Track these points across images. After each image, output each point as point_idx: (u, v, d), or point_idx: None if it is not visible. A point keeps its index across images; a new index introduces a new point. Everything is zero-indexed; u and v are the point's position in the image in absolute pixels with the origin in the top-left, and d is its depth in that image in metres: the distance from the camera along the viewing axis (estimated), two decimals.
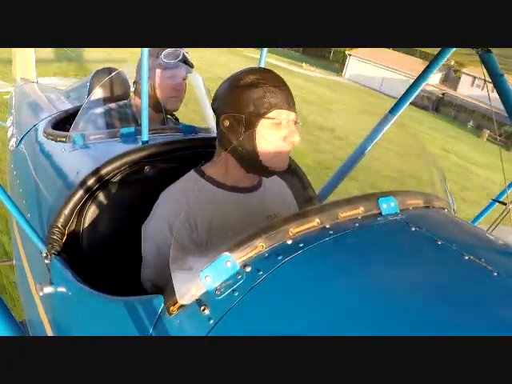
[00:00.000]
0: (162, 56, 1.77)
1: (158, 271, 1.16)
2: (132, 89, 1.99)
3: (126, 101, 1.99)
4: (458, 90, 29.09)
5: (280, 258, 0.81)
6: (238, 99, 1.17)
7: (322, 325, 0.73)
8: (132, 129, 1.69)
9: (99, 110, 1.89)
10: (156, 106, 1.84)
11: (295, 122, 1.21)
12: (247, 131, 1.16)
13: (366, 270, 0.84)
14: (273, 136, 1.17)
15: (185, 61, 1.86)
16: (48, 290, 1.22)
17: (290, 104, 1.18)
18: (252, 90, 1.15)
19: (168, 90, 1.84)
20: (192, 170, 1.29)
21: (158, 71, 1.79)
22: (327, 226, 0.88)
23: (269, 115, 1.15)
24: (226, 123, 1.19)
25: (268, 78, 1.18)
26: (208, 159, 1.31)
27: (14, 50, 3.70)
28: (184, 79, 1.88)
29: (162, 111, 1.88)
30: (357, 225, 0.91)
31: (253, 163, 1.20)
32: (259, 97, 1.15)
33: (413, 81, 1.83)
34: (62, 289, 1.20)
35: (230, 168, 1.24)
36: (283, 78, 1.21)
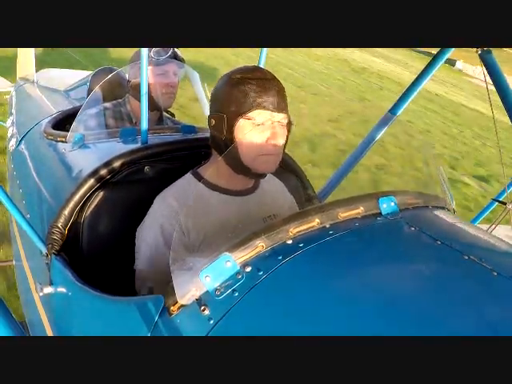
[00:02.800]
0: (151, 53, 1.76)
1: (151, 274, 1.15)
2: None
3: (120, 100, 1.98)
4: None
5: (280, 257, 0.81)
6: (223, 98, 1.16)
7: (322, 324, 0.73)
8: (132, 129, 1.68)
9: (94, 109, 1.89)
10: (150, 104, 1.83)
11: (288, 124, 1.18)
12: (228, 131, 1.14)
13: (365, 269, 0.84)
14: (253, 137, 1.13)
15: (175, 56, 1.85)
16: (48, 289, 1.22)
17: (275, 105, 1.13)
18: (235, 88, 1.13)
19: (160, 87, 1.83)
20: (189, 172, 1.28)
21: (148, 69, 1.79)
22: (327, 226, 0.88)
23: (248, 115, 1.11)
24: (212, 122, 1.18)
25: (254, 77, 1.14)
26: (207, 160, 1.31)
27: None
28: (176, 75, 1.88)
29: (157, 109, 1.87)
30: (357, 225, 0.91)
31: (237, 164, 1.17)
32: (241, 96, 1.11)
33: (412, 80, 1.83)
34: (61, 289, 1.20)
35: (221, 170, 1.21)
36: (275, 78, 1.17)
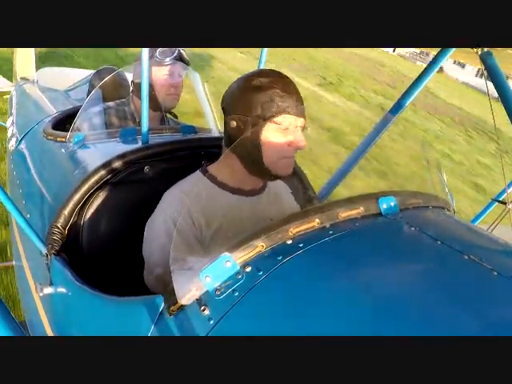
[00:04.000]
0: (157, 54, 1.76)
1: (166, 268, 1.16)
2: (131, 88, 1.99)
3: (124, 99, 1.99)
4: None
5: (280, 258, 0.81)
6: (246, 101, 1.17)
7: (321, 325, 0.73)
8: (132, 129, 1.69)
9: (97, 108, 1.89)
10: (153, 104, 1.83)
11: (303, 128, 1.20)
12: (253, 134, 1.15)
13: (365, 269, 0.84)
14: (278, 141, 1.16)
15: (180, 58, 1.86)
16: (48, 290, 1.22)
17: (298, 109, 1.16)
18: (261, 92, 1.14)
19: (165, 88, 1.83)
20: (198, 170, 1.28)
21: (153, 69, 1.79)
22: (327, 226, 0.88)
23: (276, 120, 1.14)
24: (233, 124, 1.18)
25: (278, 81, 1.16)
26: (208, 159, 1.31)
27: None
28: (180, 76, 1.88)
29: (160, 110, 1.87)
30: (357, 225, 0.91)
31: (257, 166, 1.20)
32: (267, 100, 1.14)
33: (412, 81, 1.83)
34: (61, 289, 1.20)
35: (235, 170, 1.23)
36: (294, 83, 1.20)
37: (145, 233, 1.21)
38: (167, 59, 1.81)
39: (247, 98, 1.17)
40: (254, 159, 1.18)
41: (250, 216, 1.23)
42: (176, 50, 1.81)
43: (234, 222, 1.19)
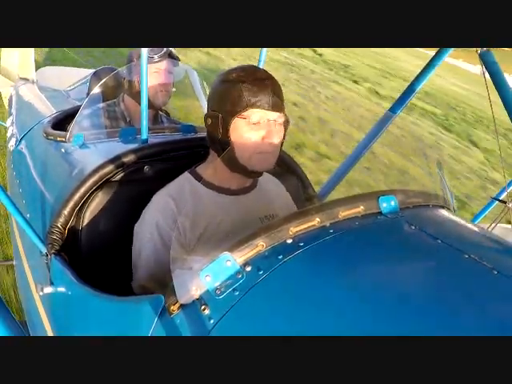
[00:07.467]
0: None
1: (148, 272, 1.16)
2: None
3: (114, 100, 1.98)
4: None
5: (280, 257, 0.81)
6: (218, 97, 1.17)
7: (322, 324, 0.73)
8: (132, 128, 1.69)
9: (95, 109, 1.89)
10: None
11: (285, 122, 1.19)
12: (224, 130, 1.15)
13: (365, 269, 0.84)
14: (249, 135, 1.14)
15: (170, 54, 1.85)
16: (48, 289, 1.22)
17: (270, 104, 1.13)
18: (230, 88, 1.13)
19: (155, 85, 1.83)
20: (186, 171, 1.28)
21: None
22: (327, 225, 0.88)
23: (243, 114, 1.12)
24: (209, 121, 1.18)
25: (249, 76, 1.14)
26: (205, 159, 1.31)
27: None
28: (171, 73, 1.87)
29: (152, 107, 1.86)
30: (357, 224, 0.91)
31: (233, 164, 1.18)
32: (236, 95, 1.12)
33: (412, 80, 1.83)
34: (61, 288, 1.20)
35: (218, 169, 1.22)
36: (271, 77, 1.18)
37: (133, 233, 1.21)
38: (156, 56, 1.81)
39: (219, 95, 1.17)
40: (229, 156, 1.17)
41: (237, 215, 1.22)
42: (164, 48, 1.81)
43: (219, 221, 1.18)
